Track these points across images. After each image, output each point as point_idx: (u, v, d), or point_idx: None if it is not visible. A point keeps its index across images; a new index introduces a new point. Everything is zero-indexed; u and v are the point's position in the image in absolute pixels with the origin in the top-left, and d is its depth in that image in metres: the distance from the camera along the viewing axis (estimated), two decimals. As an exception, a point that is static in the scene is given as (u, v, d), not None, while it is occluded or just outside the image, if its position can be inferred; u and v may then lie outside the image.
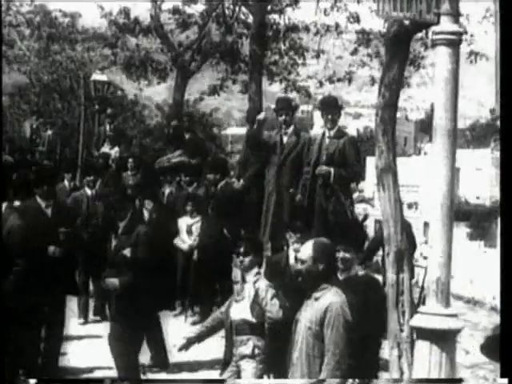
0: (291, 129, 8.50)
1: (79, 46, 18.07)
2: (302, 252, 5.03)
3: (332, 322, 4.70)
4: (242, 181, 9.01)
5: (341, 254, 5.37)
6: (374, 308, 5.29)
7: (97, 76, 16.44)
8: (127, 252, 6.26)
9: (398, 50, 5.64)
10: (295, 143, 8.43)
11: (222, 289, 8.58)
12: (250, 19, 14.92)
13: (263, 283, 5.49)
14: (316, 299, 4.82)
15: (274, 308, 5.33)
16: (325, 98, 8.05)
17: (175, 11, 15.88)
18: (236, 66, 16.33)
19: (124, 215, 6.39)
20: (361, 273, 5.60)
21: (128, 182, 12.61)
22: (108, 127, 13.91)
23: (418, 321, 5.06)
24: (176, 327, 7.69)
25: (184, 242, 9.24)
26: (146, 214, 8.85)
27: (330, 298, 4.78)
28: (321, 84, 16.60)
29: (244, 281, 5.55)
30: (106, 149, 14.01)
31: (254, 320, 5.41)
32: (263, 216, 8.37)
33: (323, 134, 7.90)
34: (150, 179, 10.21)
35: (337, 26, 14.93)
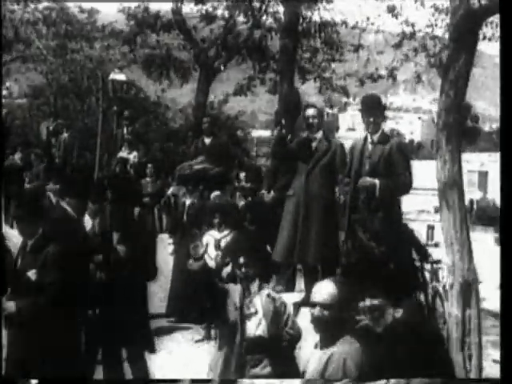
0: (320, 134, 7.48)
1: (97, 44, 17.12)
2: (319, 293, 4.13)
3: (332, 374, 3.82)
4: (272, 192, 7.98)
5: (367, 302, 4.19)
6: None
7: (115, 75, 15.48)
8: (32, 274, 5.32)
9: (466, 38, 4.57)
10: (325, 150, 7.41)
11: None
12: (280, 11, 13.73)
13: (277, 296, 5.11)
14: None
15: (295, 325, 4.98)
16: (366, 97, 6.94)
17: (198, 2, 14.68)
18: (264, 63, 15.12)
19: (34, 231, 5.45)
20: (398, 314, 4.23)
21: (147, 190, 11.67)
22: (126, 130, 12.97)
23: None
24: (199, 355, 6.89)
25: (212, 258, 8.20)
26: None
27: (336, 347, 3.93)
28: (361, 82, 15.22)
29: (250, 293, 5.11)
30: (123, 153, 13.10)
31: (268, 337, 4.95)
32: (286, 230, 7.33)
33: (365, 140, 6.82)
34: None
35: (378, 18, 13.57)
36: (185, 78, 16.18)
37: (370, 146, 6.73)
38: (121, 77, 15.50)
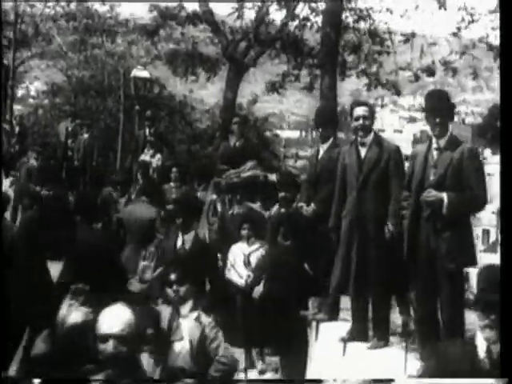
0: (370, 137, 6.30)
1: (119, 39, 16.12)
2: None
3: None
4: (312, 205, 6.88)
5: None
6: None
7: (137, 72, 14.45)
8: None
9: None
10: (377, 157, 6.23)
11: (294, 336, 6.79)
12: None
13: (208, 320, 4.65)
14: None
15: (228, 353, 4.54)
16: (432, 93, 5.76)
17: (227, -10, 13.52)
18: (300, 58, 13.83)
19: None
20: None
21: (170, 196, 10.52)
22: (148, 131, 11.94)
23: None
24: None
25: (241, 276, 7.36)
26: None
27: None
28: (416, 77, 13.70)
29: (179, 315, 4.58)
30: (146, 156, 12.07)
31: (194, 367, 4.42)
32: (340, 259, 6.22)
33: (429, 145, 5.64)
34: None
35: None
36: (212, 73, 14.98)
37: (435, 153, 5.53)
38: (144, 74, 14.46)
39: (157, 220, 8.46)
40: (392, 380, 4.61)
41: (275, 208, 7.84)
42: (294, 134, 34.54)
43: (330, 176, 6.65)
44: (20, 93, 22.08)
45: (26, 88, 20.36)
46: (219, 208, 9.15)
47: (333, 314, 6.72)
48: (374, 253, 6.13)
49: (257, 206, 8.17)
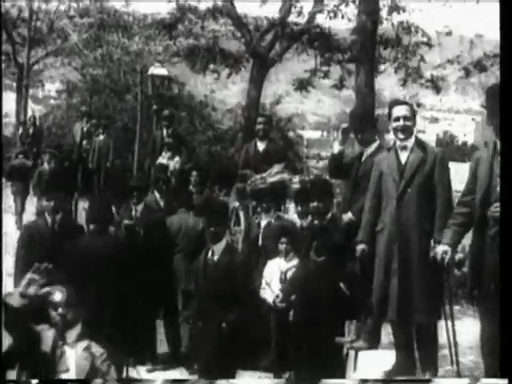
0: (412, 140, 5.50)
1: (135, 35, 15.35)
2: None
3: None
4: (350, 214, 6.06)
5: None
6: None
7: (155, 69, 13.64)
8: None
9: None
10: (421, 162, 5.41)
11: (329, 365, 5.90)
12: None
13: (99, 351, 4.27)
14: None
15: None
16: (493, 88, 4.92)
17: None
18: (329, 53, 12.88)
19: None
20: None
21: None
22: (165, 132, 11.15)
23: None
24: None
25: (277, 295, 6.54)
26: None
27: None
28: (467, 72, 12.50)
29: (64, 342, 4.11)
30: (163, 159, 11.27)
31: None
32: (378, 279, 5.40)
33: (494, 150, 4.78)
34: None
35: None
36: (235, 70, 14.08)
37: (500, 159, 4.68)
38: (161, 71, 13.65)
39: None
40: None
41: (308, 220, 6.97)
42: (315, 135, 34.17)
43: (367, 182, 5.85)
44: (34, 92, 21.61)
45: (41, 87, 19.71)
46: (242, 216, 8.33)
47: (373, 342, 5.91)
48: (417, 273, 5.32)
49: (293, 216, 7.33)
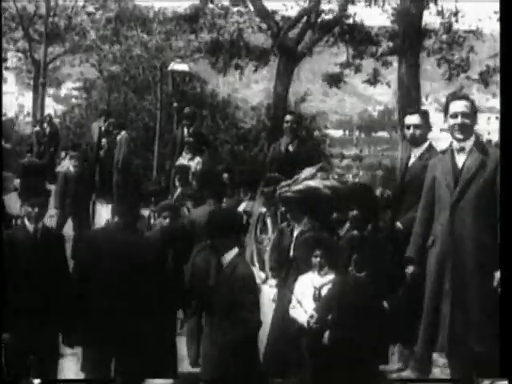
0: (471, 141, 4.75)
1: (155, 30, 14.68)
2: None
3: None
4: (398, 224, 5.31)
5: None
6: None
7: (175, 65, 12.98)
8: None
9: None
10: (480, 166, 4.65)
11: None
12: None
13: None
14: None
15: None
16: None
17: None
18: (362, 46, 12.02)
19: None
20: None
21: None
22: (186, 131, 10.47)
23: None
24: None
25: (311, 315, 5.72)
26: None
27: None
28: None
29: None
30: (183, 160, 10.59)
31: None
32: (429, 302, 4.65)
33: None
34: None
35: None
36: (262, 64, 13.27)
37: None
38: (182, 67, 12.99)
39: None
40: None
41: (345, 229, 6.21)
42: (337, 134, 33.98)
43: (420, 189, 5.07)
44: (55, 91, 21.23)
45: (58, 86, 19.20)
46: (270, 224, 7.57)
47: (423, 372, 5.13)
48: (475, 297, 4.56)
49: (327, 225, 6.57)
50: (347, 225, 6.22)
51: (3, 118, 26.19)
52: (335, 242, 6.06)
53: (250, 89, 22.75)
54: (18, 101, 22.40)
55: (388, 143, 33.72)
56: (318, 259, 5.87)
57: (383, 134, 35.04)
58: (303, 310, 5.82)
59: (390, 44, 11.32)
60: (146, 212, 8.20)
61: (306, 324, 5.70)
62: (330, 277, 5.84)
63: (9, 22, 17.22)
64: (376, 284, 5.34)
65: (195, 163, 10.46)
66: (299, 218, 6.53)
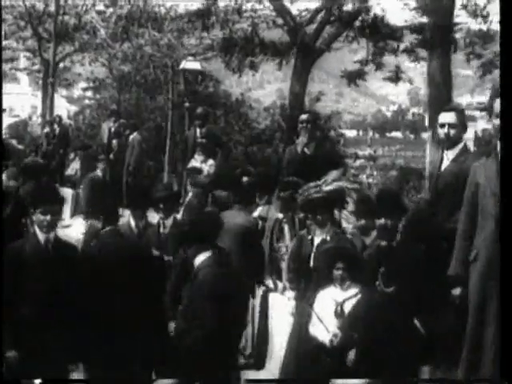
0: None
1: (166, 27, 14.22)
2: None
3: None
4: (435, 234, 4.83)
5: None
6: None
7: (188, 63, 12.50)
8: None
9: None
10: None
11: None
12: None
13: None
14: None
15: None
16: None
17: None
18: (382, 42, 11.45)
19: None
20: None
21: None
22: (198, 131, 10.03)
23: None
24: None
25: (335, 335, 5.27)
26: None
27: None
28: None
29: None
30: (196, 162, 10.14)
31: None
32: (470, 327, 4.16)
33: None
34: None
35: None
36: (284, 59, 12.69)
37: None
38: (194, 65, 12.51)
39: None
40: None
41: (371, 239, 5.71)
42: (351, 134, 33.75)
43: (457, 196, 4.56)
44: (69, 92, 20.90)
45: (68, 85, 18.78)
46: (287, 231, 7.08)
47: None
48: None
49: (354, 233, 6.08)
50: (373, 233, 5.74)
51: (16, 120, 26.02)
52: (359, 253, 5.56)
53: (263, 89, 22.45)
54: (31, 101, 22.11)
55: (402, 143, 33.40)
56: (340, 272, 5.39)
57: (397, 134, 34.70)
58: (324, 326, 5.34)
59: (414, 39, 10.74)
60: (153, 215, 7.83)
61: (327, 343, 5.23)
62: (353, 291, 5.36)
63: (18, 20, 16.87)
64: (406, 301, 4.84)
65: (208, 166, 10.01)
66: (323, 223, 6.03)
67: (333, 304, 5.35)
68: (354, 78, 12.58)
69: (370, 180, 20.42)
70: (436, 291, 4.77)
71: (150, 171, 15.12)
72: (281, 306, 6.87)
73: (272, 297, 7.17)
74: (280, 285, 7.23)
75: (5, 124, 24.23)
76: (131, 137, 12.64)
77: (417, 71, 11.73)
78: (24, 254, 4.92)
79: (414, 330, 4.90)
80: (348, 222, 6.53)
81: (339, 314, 5.28)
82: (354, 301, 5.25)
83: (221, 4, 12.87)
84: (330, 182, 6.36)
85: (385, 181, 23.27)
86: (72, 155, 14.03)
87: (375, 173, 23.77)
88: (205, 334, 5.14)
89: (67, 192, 12.13)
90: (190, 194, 9.00)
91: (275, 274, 7.29)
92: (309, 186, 6.42)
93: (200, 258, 5.43)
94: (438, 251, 4.77)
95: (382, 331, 4.91)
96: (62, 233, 5.66)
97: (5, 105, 27.57)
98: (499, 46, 4.69)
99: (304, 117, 7.81)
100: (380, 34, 11.37)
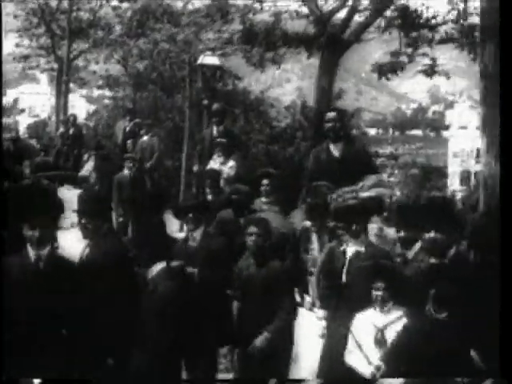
0: None
1: (183, 21, 13.62)
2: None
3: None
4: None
5: None
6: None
7: (206, 59, 11.86)
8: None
9: None
10: None
11: None
12: None
13: None
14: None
15: None
16: None
17: None
18: (416, 32, 10.63)
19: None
20: None
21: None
22: (215, 129, 9.38)
23: None
24: None
25: (372, 362, 4.70)
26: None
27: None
28: None
29: None
30: (215, 163, 9.45)
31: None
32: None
33: None
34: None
35: None
36: (310, 50, 11.91)
37: None
38: (213, 60, 11.86)
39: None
40: None
41: (414, 252, 4.98)
42: (371, 132, 34.08)
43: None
44: (88, 92, 20.57)
45: (84, 84, 18.33)
46: (316, 241, 6.37)
47: None
48: None
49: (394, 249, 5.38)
50: (417, 245, 5.01)
51: (36, 120, 25.82)
52: (401, 270, 4.84)
53: (281, 87, 21.94)
54: (51, 101, 21.83)
55: (422, 141, 33.03)
56: (381, 292, 4.70)
57: (417, 132, 34.37)
58: (363, 355, 4.65)
59: (450, 29, 9.97)
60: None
61: (368, 375, 4.54)
62: (396, 315, 4.68)
63: (30, 17, 16.43)
64: (462, 329, 4.12)
65: (228, 168, 9.31)
66: (358, 233, 5.33)
67: (372, 329, 4.67)
68: (382, 71, 11.73)
69: (392, 179, 20.01)
70: (496, 318, 4.06)
71: (168, 171, 14.61)
72: (308, 325, 6.19)
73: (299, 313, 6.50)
74: (307, 299, 6.57)
75: (24, 124, 24.10)
76: (145, 137, 12.05)
77: (452, 64, 11.00)
78: (13, 271, 4.23)
79: (471, 363, 4.18)
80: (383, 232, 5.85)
81: (380, 341, 4.62)
82: (397, 326, 4.56)
83: (241, -5, 12.18)
84: (367, 188, 5.67)
85: (405, 179, 22.78)
86: (86, 156, 13.56)
87: (396, 171, 23.31)
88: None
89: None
90: (209, 198, 8.36)
91: (301, 286, 6.67)
92: (343, 191, 5.73)
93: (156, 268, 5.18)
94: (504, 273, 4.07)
95: (432, 364, 4.19)
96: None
97: (24, 105, 27.53)
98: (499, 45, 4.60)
99: (331, 115, 7.02)
100: (412, 23, 10.56)
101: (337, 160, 6.76)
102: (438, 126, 35.06)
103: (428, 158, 28.70)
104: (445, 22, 10.35)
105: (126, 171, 10.28)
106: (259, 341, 5.41)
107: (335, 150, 6.85)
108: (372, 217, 5.55)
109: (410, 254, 5.05)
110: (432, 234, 4.48)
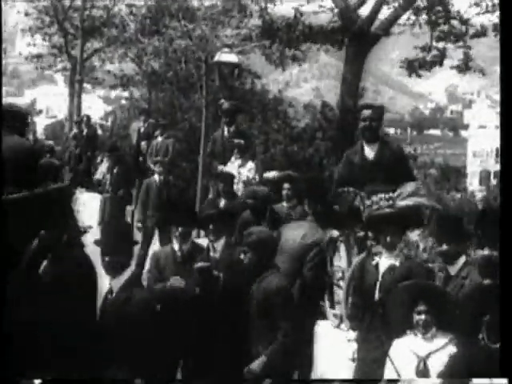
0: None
1: (199, 17, 13.16)
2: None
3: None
4: None
5: None
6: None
7: (223, 56, 11.34)
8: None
9: None
10: None
11: None
12: None
13: None
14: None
15: None
16: None
17: None
18: (446, 26, 10.01)
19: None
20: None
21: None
22: (226, 130, 8.91)
23: None
24: None
25: None
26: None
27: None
28: None
29: None
30: (233, 166, 8.97)
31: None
32: None
33: None
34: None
35: None
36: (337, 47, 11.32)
37: None
38: (230, 58, 11.32)
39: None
40: None
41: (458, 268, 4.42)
42: (389, 132, 33.90)
43: None
44: (106, 93, 20.31)
45: (98, 84, 17.99)
46: (344, 252, 5.81)
47: None
48: None
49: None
50: (461, 260, 4.44)
51: (53, 120, 25.66)
52: (447, 292, 4.28)
53: (299, 87, 21.70)
54: (67, 102, 21.63)
55: (441, 141, 32.77)
56: (423, 316, 4.13)
57: (435, 131, 34.10)
58: (395, 370, 4.11)
59: (489, 20, 9.37)
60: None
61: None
62: (441, 342, 4.09)
63: (42, 15, 16.06)
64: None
65: (247, 170, 8.77)
66: (393, 245, 4.77)
67: (413, 358, 4.10)
68: (412, 68, 11.09)
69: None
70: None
71: (184, 173, 14.18)
72: (336, 346, 5.64)
73: (324, 331, 5.95)
74: (331, 312, 6.04)
75: (42, 125, 23.98)
76: (159, 138, 11.62)
77: (488, 61, 10.38)
78: None
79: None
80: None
81: (423, 372, 4.04)
82: (442, 356, 3.99)
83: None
84: (405, 197, 5.11)
85: (424, 179, 22.33)
86: (99, 158, 13.22)
87: (415, 171, 22.93)
88: None
89: (95, 197, 11.53)
90: (223, 203, 7.88)
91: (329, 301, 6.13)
92: (379, 199, 5.16)
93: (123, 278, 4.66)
94: None
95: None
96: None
97: (42, 105, 27.47)
98: (499, 44, 4.41)
99: (366, 112, 6.31)
100: (444, 16, 9.92)
101: (371, 163, 6.13)
102: (456, 125, 34.91)
103: (446, 157, 28.35)
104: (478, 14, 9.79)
105: (156, 176, 9.96)
106: (256, 364, 4.85)
107: (370, 152, 6.20)
108: (409, 228, 4.99)
109: (454, 270, 4.49)
110: (487, 252, 3.92)
